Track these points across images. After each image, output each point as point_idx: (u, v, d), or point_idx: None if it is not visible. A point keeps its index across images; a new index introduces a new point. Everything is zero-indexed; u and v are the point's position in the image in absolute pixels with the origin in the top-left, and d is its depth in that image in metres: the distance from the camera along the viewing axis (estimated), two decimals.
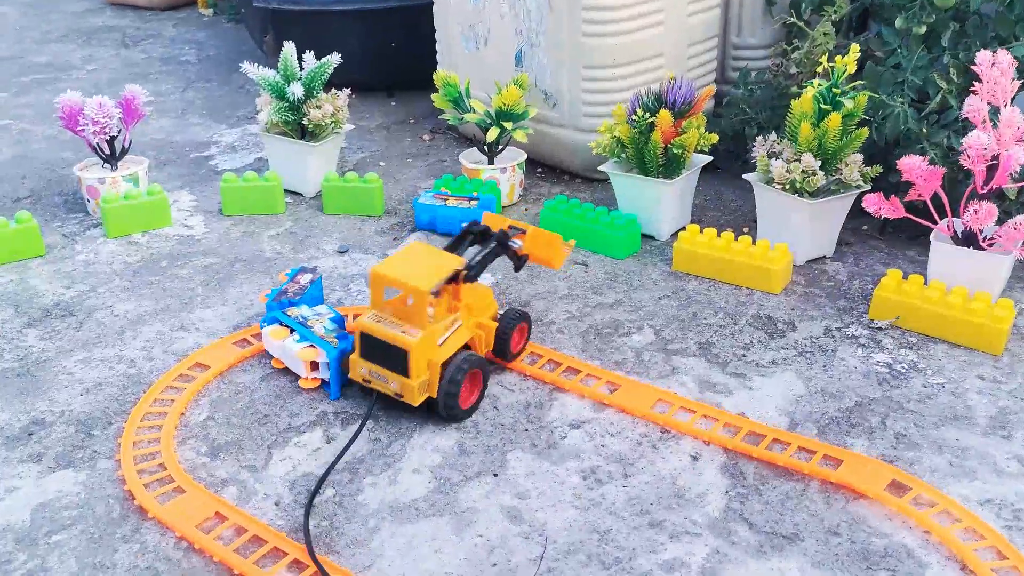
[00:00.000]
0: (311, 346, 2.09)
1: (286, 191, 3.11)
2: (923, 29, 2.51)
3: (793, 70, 2.81)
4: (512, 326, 2.09)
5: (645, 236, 2.74)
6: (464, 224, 2.18)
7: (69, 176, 3.23)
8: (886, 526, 1.66)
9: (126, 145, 2.98)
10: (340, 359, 2.05)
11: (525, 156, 3.05)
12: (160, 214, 2.90)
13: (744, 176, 2.59)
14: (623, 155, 2.71)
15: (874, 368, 2.10)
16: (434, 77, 3.01)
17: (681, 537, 1.65)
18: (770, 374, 2.10)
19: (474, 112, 2.95)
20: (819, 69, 2.39)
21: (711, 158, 2.74)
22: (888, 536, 1.64)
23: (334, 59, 3.02)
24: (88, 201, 2.98)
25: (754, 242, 2.49)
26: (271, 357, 2.19)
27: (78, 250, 2.77)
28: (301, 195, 3.13)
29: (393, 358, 1.88)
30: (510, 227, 2.20)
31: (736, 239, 2.50)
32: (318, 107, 2.99)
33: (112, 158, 2.96)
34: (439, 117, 3.13)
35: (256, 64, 3.02)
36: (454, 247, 2.08)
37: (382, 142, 3.65)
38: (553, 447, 1.89)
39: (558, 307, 2.40)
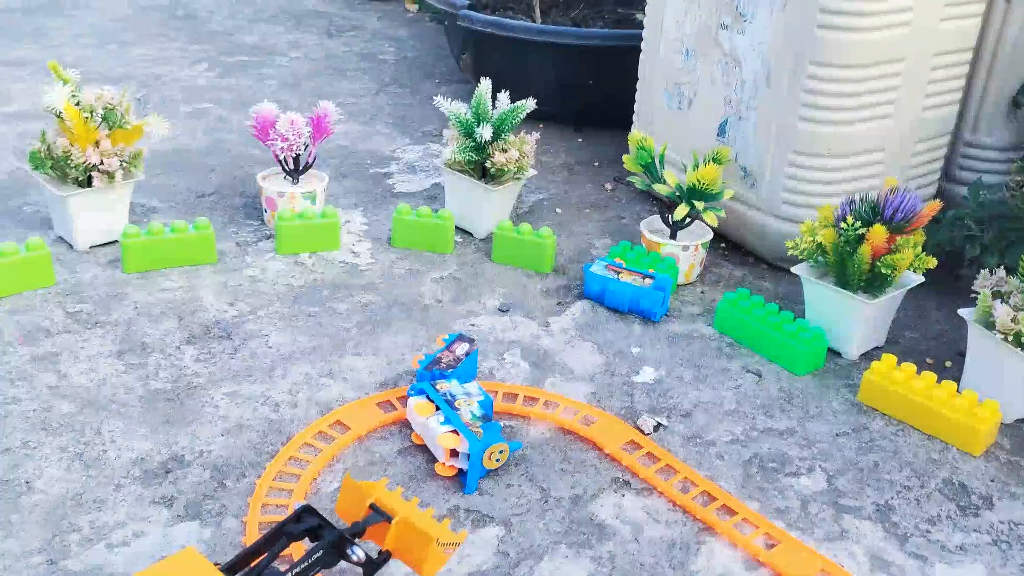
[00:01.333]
0: (454, 431, 1.98)
1: (458, 229, 3.03)
2: None
3: None
4: None
5: (831, 351, 2.48)
6: (287, 518, 1.53)
7: (253, 176, 3.26)
8: None
9: (310, 161, 2.97)
10: (482, 453, 1.93)
11: (711, 235, 2.85)
12: (330, 237, 2.87)
13: (960, 312, 2.30)
14: (820, 259, 2.46)
15: None
16: (629, 138, 2.85)
17: None
18: (956, 563, 1.83)
19: (665, 184, 2.76)
20: None
21: (923, 279, 2.45)
22: None
23: (529, 104, 2.90)
24: (265, 211, 2.99)
25: (959, 387, 2.20)
26: (412, 429, 2.10)
27: (248, 262, 2.78)
28: (471, 235, 3.04)
29: None
30: (372, 507, 1.57)
31: (938, 376, 2.22)
32: (504, 151, 2.89)
33: (295, 172, 2.95)
34: (628, 179, 2.96)
35: (449, 99, 2.93)
36: (257, 552, 1.48)
37: (562, 184, 3.51)
38: None
39: (721, 425, 2.20)
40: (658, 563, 1.80)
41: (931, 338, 2.60)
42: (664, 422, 2.19)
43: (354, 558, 1.51)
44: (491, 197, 2.94)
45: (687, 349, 2.49)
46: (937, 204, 2.42)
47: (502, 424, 2.10)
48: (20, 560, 1.69)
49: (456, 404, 2.04)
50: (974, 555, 1.85)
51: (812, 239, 2.43)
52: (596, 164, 3.73)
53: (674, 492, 1.96)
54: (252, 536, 1.75)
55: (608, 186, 3.53)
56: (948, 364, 2.46)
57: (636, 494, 1.97)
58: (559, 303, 2.69)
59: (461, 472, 1.98)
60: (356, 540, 1.54)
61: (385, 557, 1.58)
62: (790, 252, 2.50)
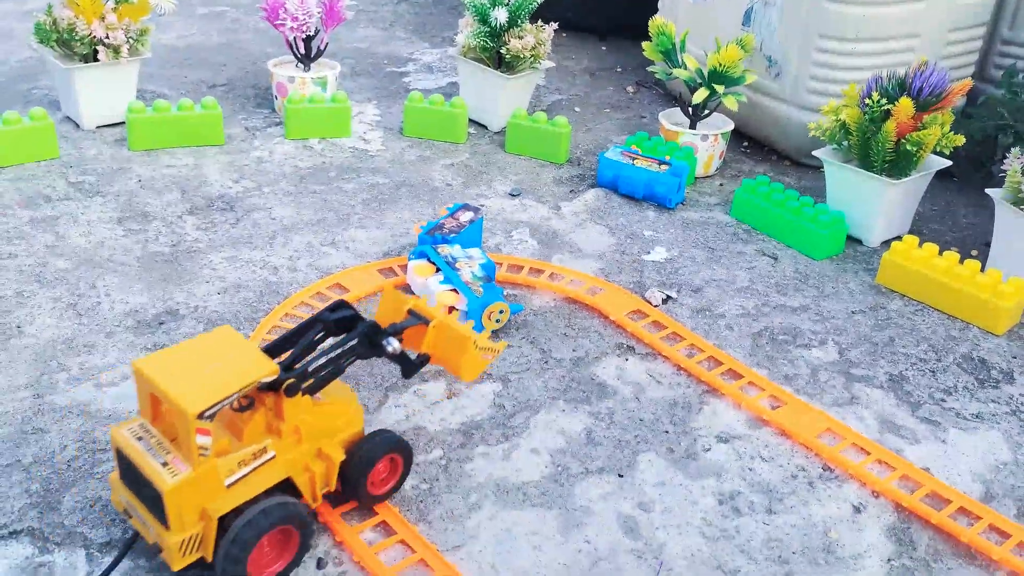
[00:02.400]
0: (453, 290, 1.92)
1: (471, 121, 2.96)
2: None
3: None
4: (373, 458, 1.43)
5: (851, 239, 2.39)
6: (324, 309, 1.48)
7: (266, 71, 3.20)
8: None
9: (322, 47, 2.91)
10: (480, 311, 1.88)
11: (732, 126, 2.75)
12: (341, 123, 2.81)
13: (987, 191, 2.19)
14: (845, 143, 2.36)
15: None
16: (649, 23, 2.74)
17: None
18: (972, 429, 1.75)
19: (685, 68, 2.67)
20: None
21: (949, 163, 2.35)
22: None
23: None
24: (275, 98, 2.93)
25: (983, 269, 2.10)
26: (412, 293, 2.04)
27: (256, 145, 2.73)
28: (486, 128, 2.96)
29: (150, 498, 1.29)
30: (410, 312, 1.54)
31: (961, 262, 2.12)
32: (520, 37, 2.80)
33: (306, 58, 2.89)
34: (648, 69, 2.87)
35: None
36: (293, 339, 1.44)
37: (583, 87, 3.42)
38: (693, 458, 1.65)
39: (733, 300, 2.12)
40: (658, 420, 1.74)
41: (957, 231, 2.50)
42: (673, 295, 2.12)
43: (388, 349, 1.46)
44: (506, 86, 2.86)
45: (702, 233, 2.41)
46: (968, 82, 2.31)
47: (505, 292, 2.04)
48: (7, 394, 1.67)
49: (457, 265, 1.99)
50: (991, 423, 1.77)
51: (836, 119, 2.33)
52: (619, 70, 3.63)
53: (679, 356, 1.89)
54: None
55: (630, 88, 3.43)
56: (974, 253, 2.36)
57: (640, 358, 1.91)
58: (572, 190, 2.61)
59: None
60: (390, 335, 1.47)
61: (424, 360, 1.54)
62: (812, 134, 2.40)
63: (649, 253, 2.30)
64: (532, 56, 2.84)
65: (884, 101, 2.23)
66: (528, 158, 2.78)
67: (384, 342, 1.46)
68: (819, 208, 2.34)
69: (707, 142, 2.69)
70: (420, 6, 4.26)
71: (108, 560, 1.36)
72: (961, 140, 2.27)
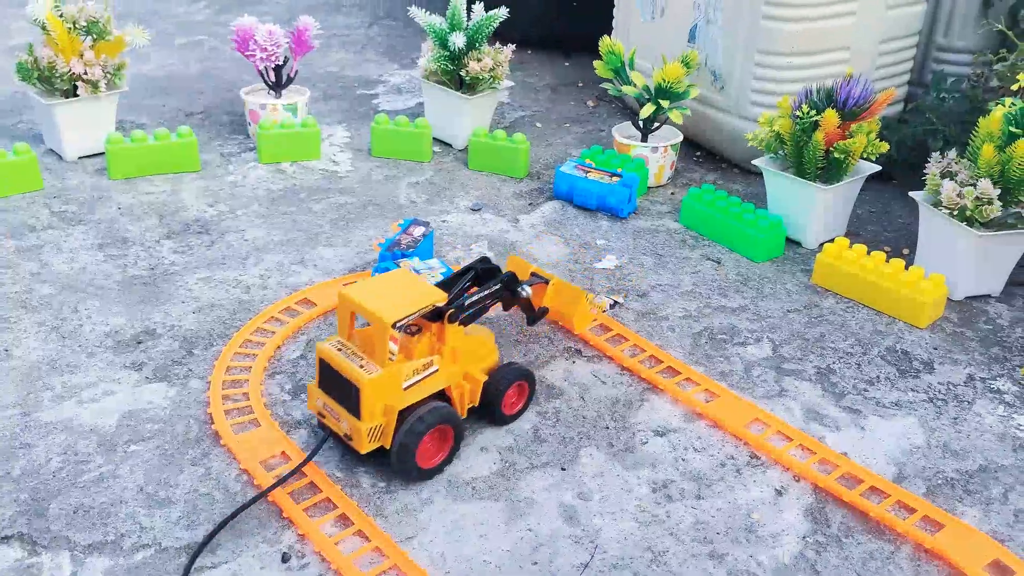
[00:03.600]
0: None
1: (437, 140, 3.11)
2: None
3: (994, 83, 2.50)
4: (507, 383, 1.79)
5: (791, 241, 2.54)
6: (470, 262, 1.89)
7: (241, 98, 3.34)
8: None
9: (292, 75, 3.05)
10: None
11: (681, 138, 2.90)
12: (311, 146, 2.96)
13: (911, 193, 2.34)
14: (781, 151, 2.51)
15: (1013, 431, 1.86)
16: (599, 45, 2.90)
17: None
18: (889, 416, 1.90)
19: (633, 85, 2.82)
20: (1015, 87, 2.11)
21: (879, 168, 2.50)
22: None
23: (501, 12, 2.96)
24: (249, 124, 3.08)
25: (907, 267, 2.25)
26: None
27: (230, 170, 2.87)
28: (451, 146, 3.11)
29: (347, 394, 1.62)
30: (533, 274, 1.97)
31: (887, 260, 2.27)
32: (478, 59, 2.95)
33: (277, 86, 3.04)
34: (600, 86, 3.01)
35: (425, 10, 3.00)
36: (452, 283, 1.80)
37: (545, 103, 3.57)
38: (630, 451, 1.79)
39: (676, 303, 2.27)
40: (600, 417, 1.88)
41: (892, 231, 2.65)
42: (621, 300, 2.26)
43: (523, 294, 1.90)
44: (468, 106, 3.00)
45: (651, 240, 2.56)
46: (892, 92, 2.46)
47: None
48: None
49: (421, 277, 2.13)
50: (908, 410, 1.92)
51: (771, 130, 2.48)
52: (580, 85, 3.78)
53: (622, 356, 2.04)
54: (215, 393, 1.86)
55: (590, 103, 3.58)
56: (905, 251, 2.51)
57: (587, 360, 2.05)
58: (531, 203, 2.76)
59: None
60: (524, 285, 1.90)
61: (544, 311, 1.97)
62: (750, 144, 2.55)
63: (600, 261, 2.45)
64: (491, 77, 2.99)
65: (813, 112, 2.38)
66: (490, 174, 2.93)
67: (520, 288, 1.89)
68: (759, 213, 2.49)
69: (657, 154, 2.84)
70: (391, 28, 4.42)
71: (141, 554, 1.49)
72: (886, 147, 2.42)
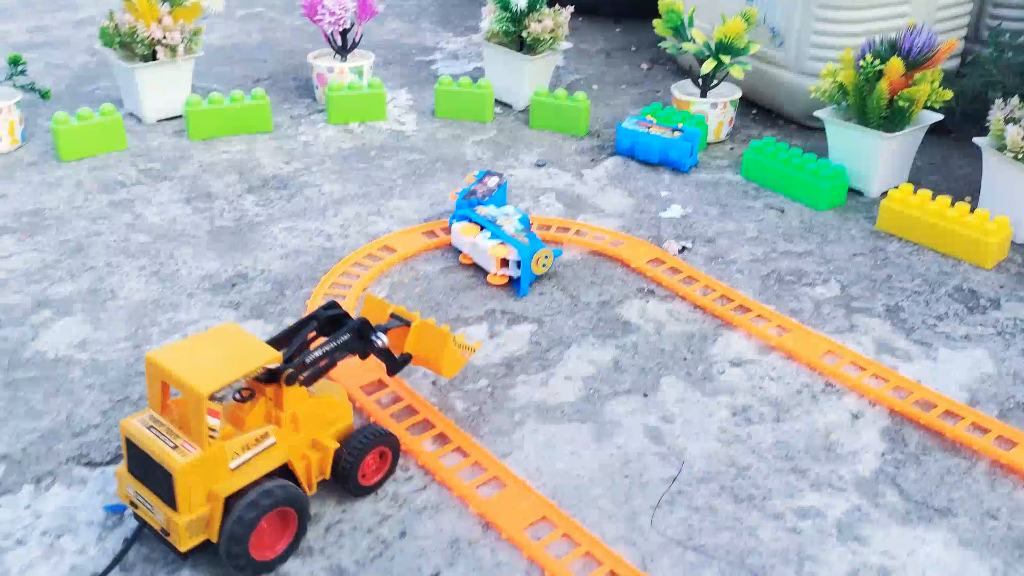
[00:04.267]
0: (502, 244, 2.15)
1: (497, 102, 3.19)
2: None
3: None
4: (363, 450, 1.52)
5: (853, 191, 2.59)
6: (318, 310, 1.60)
7: (304, 64, 3.45)
8: None
9: (357, 39, 3.14)
10: (531, 258, 2.10)
11: (740, 94, 2.96)
12: (377, 107, 3.05)
13: (975, 139, 2.39)
14: (843, 103, 2.56)
15: None
16: (659, 2, 2.96)
17: (823, 488, 1.60)
18: (959, 348, 1.96)
19: (693, 42, 2.88)
20: None
21: (941, 116, 2.54)
22: None
23: None
24: (316, 87, 3.17)
25: (972, 211, 2.30)
26: (457, 252, 2.27)
27: (301, 131, 2.97)
28: (511, 107, 3.19)
29: (160, 481, 1.36)
30: (392, 316, 1.71)
31: (952, 205, 2.32)
32: (539, 21, 3.02)
33: (343, 50, 3.13)
34: (659, 45, 3.08)
35: None
36: (290, 335, 1.55)
37: (599, 66, 3.64)
38: (709, 380, 1.87)
39: (743, 248, 2.33)
40: (677, 349, 1.96)
41: (952, 181, 2.69)
42: (688, 245, 2.33)
43: (378, 343, 1.61)
44: (529, 67, 3.08)
45: (714, 192, 2.63)
46: (955, 42, 2.50)
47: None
48: (109, 346, 1.92)
49: (499, 222, 2.22)
50: (977, 342, 1.98)
51: (834, 81, 2.53)
52: (633, 49, 3.84)
53: (695, 296, 2.11)
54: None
55: (644, 65, 3.64)
56: (967, 199, 2.55)
57: (659, 300, 2.13)
58: (593, 159, 2.83)
59: (511, 280, 2.15)
60: (378, 332, 1.61)
61: (406, 358, 1.68)
62: (813, 96, 2.60)
63: (665, 211, 2.52)
64: (551, 38, 3.06)
65: (877, 62, 2.43)
66: (551, 132, 3.01)
67: (373, 337, 1.60)
68: (821, 163, 2.55)
69: (717, 109, 2.89)
70: None
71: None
72: (950, 95, 2.46)
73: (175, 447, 1.35)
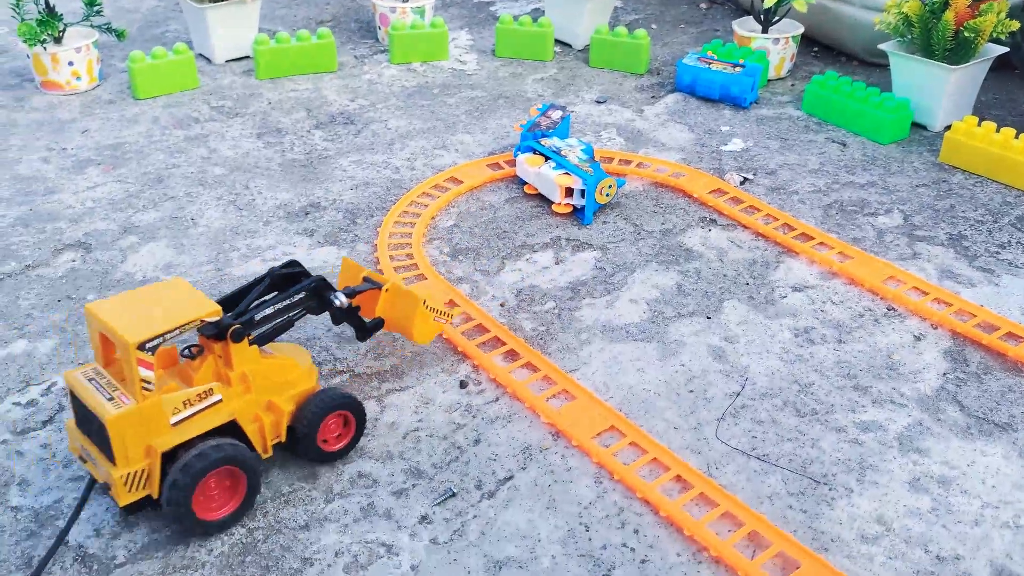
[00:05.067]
0: (567, 173, 2.20)
1: (557, 41, 3.21)
2: None
3: None
4: (321, 413, 1.47)
5: (917, 125, 2.59)
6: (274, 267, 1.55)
7: (366, 6, 3.49)
8: None
9: None
10: (595, 187, 2.14)
11: (802, 29, 2.94)
12: (439, 47, 3.09)
13: None
14: (908, 35, 2.54)
15: None
16: None
17: (885, 404, 1.64)
18: (1022, 275, 1.97)
19: None
20: None
21: (1007, 49, 2.52)
22: None
23: None
24: (379, 28, 3.22)
25: None
26: (522, 183, 2.33)
27: (365, 70, 3.03)
28: (570, 46, 3.21)
29: (98, 433, 1.34)
30: (365, 279, 1.66)
31: (1017, 137, 2.31)
32: None
33: None
34: None
35: None
36: (244, 292, 1.49)
37: (657, 6, 3.63)
38: (771, 303, 1.91)
39: (805, 179, 2.35)
40: (739, 275, 2.00)
41: (1017, 116, 2.66)
42: (750, 177, 2.36)
43: (336, 303, 1.55)
44: (588, 5, 3.09)
45: (775, 127, 2.64)
46: None
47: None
48: (193, 268, 2.01)
49: (563, 153, 2.26)
50: None
51: (899, 12, 2.51)
52: None
53: (757, 224, 2.14)
54: (382, 256, 2.03)
55: (703, 5, 3.63)
56: None
57: (721, 229, 2.16)
58: (653, 96, 2.85)
59: (575, 210, 2.20)
60: (337, 292, 1.56)
61: (377, 323, 1.64)
62: (877, 28, 2.59)
63: (726, 145, 2.54)
64: None
65: None
66: (611, 71, 3.02)
67: (331, 296, 1.54)
68: (885, 96, 2.54)
69: (778, 45, 2.89)
70: None
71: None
72: (1016, 25, 2.43)
73: (111, 399, 1.33)
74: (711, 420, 1.61)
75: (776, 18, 2.90)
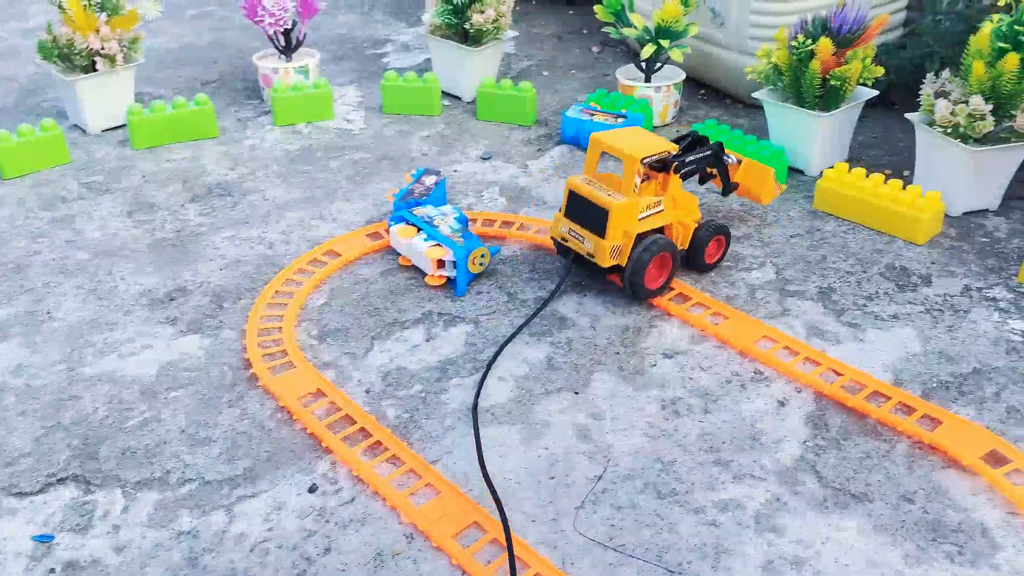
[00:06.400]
0: (438, 245, 2.16)
1: (446, 94, 3.18)
2: None
3: (987, 0, 2.53)
4: (710, 234, 2.11)
5: (794, 170, 2.60)
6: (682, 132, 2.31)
7: (253, 64, 3.43)
8: (967, 501, 1.56)
9: (301, 38, 3.13)
10: (466, 258, 2.11)
11: (683, 76, 2.95)
12: (324, 107, 3.05)
13: (907, 115, 2.40)
14: (779, 83, 2.57)
15: (1006, 335, 1.94)
16: None
17: (745, 479, 1.62)
18: (887, 328, 1.98)
19: (634, 27, 2.87)
20: (1001, 2, 2.15)
21: (876, 93, 2.55)
22: (966, 512, 1.54)
23: None
24: (263, 89, 3.17)
25: (905, 187, 2.31)
26: (398, 254, 2.29)
27: (248, 135, 2.97)
28: (459, 99, 3.18)
29: (593, 218, 2.00)
30: (727, 155, 2.26)
31: (886, 182, 2.33)
32: (481, 11, 3.01)
33: (287, 49, 3.12)
34: (603, 30, 3.07)
35: None
36: (676, 143, 2.13)
37: (551, 51, 3.63)
38: (640, 373, 1.89)
39: None
40: (611, 343, 1.98)
41: (894, 154, 2.70)
42: None
43: (729, 161, 2.21)
44: (474, 59, 3.07)
45: None
46: (885, 17, 2.50)
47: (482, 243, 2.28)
48: (44, 369, 1.93)
49: (435, 223, 2.23)
50: (905, 321, 2.00)
51: (768, 62, 2.53)
52: (584, 32, 3.83)
53: None
54: (251, 343, 1.97)
55: (595, 48, 3.63)
56: (906, 173, 2.56)
57: (597, 292, 2.14)
58: (539, 149, 2.84)
59: (449, 281, 2.17)
60: (730, 154, 2.22)
61: (735, 186, 2.26)
62: (749, 77, 2.60)
63: None
64: (495, 28, 3.05)
65: (809, 42, 2.43)
66: (499, 123, 3.01)
67: (725, 157, 2.19)
68: (762, 144, 2.55)
69: (660, 93, 2.90)
70: None
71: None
72: (880, 71, 2.46)
73: (609, 195, 1.99)
74: (571, 509, 1.58)
75: (658, 66, 2.91)
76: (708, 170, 2.20)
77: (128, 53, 2.92)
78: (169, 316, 2.10)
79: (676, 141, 2.12)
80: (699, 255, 2.11)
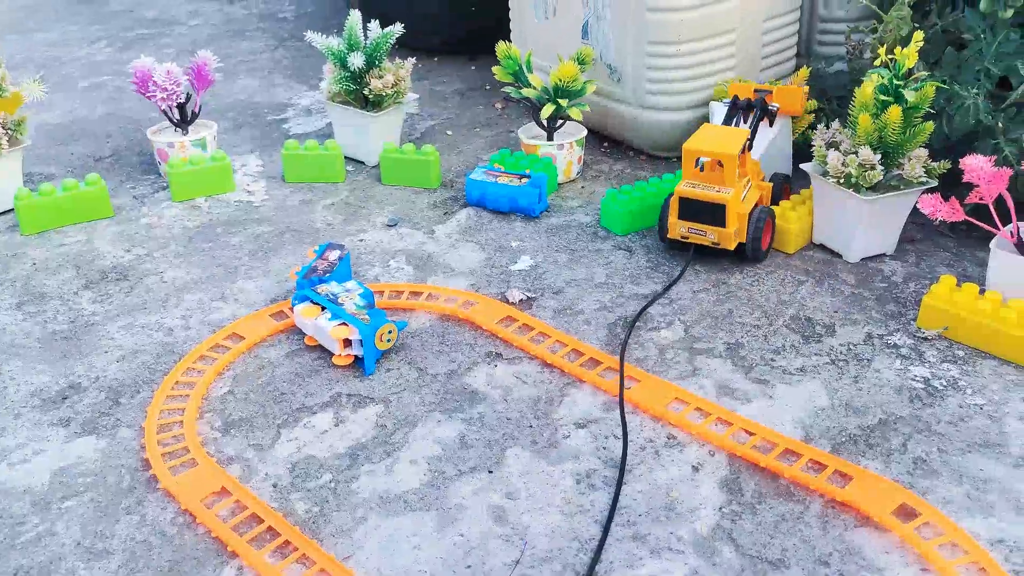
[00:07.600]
0: (344, 324, 2.11)
1: (350, 159, 3.15)
2: (1010, 13, 2.29)
3: (868, 54, 2.62)
4: (767, 215, 2.38)
5: None
6: (730, 101, 2.58)
7: (148, 138, 3.35)
8: (881, 560, 1.57)
9: (196, 110, 3.07)
10: (373, 335, 2.07)
11: (585, 133, 2.98)
12: (223, 179, 2.98)
13: (802, 166, 2.45)
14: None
15: (909, 383, 1.98)
16: (496, 49, 2.96)
17: (662, 553, 1.60)
18: (795, 382, 2.00)
19: (532, 88, 2.89)
20: (878, 61, 2.22)
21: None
22: (881, 571, 1.55)
23: (396, 29, 3.01)
24: (159, 163, 3.09)
25: (812, 238, 2.36)
26: (304, 334, 2.23)
27: (144, 212, 2.89)
28: (364, 164, 3.15)
29: (711, 213, 2.28)
30: (756, 91, 2.61)
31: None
32: (380, 77, 2.99)
33: (183, 123, 3.05)
34: (502, 90, 3.08)
35: (322, 33, 3.04)
36: (727, 121, 2.49)
37: (454, 109, 3.63)
38: (554, 446, 1.86)
39: (591, 296, 2.35)
40: (524, 416, 1.95)
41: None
42: (532, 295, 2.34)
43: (773, 110, 2.58)
44: (375, 124, 3.05)
45: (564, 237, 2.64)
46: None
47: (388, 314, 2.24)
48: None
49: (339, 300, 2.18)
50: (812, 374, 2.02)
51: None
52: (487, 88, 3.84)
53: (545, 353, 2.11)
54: (150, 442, 1.89)
55: (499, 105, 3.65)
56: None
57: (508, 363, 2.12)
58: (446, 212, 2.82)
59: (357, 359, 2.12)
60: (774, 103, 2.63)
61: (775, 111, 2.61)
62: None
63: (515, 263, 2.51)
64: (395, 92, 3.04)
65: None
66: (404, 188, 2.98)
67: (770, 108, 2.58)
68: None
69: (564, 150, 2.91)
70: (296, 50, 4.43)
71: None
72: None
73: (718, 191, 2.28)
74: None
75: (559, 123, 2.93)
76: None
77: (13, 136, 2.82)
78: (62, 417, 2.00)
79: (730, 113, 2.51)
80: (758, 235, 2.36)
